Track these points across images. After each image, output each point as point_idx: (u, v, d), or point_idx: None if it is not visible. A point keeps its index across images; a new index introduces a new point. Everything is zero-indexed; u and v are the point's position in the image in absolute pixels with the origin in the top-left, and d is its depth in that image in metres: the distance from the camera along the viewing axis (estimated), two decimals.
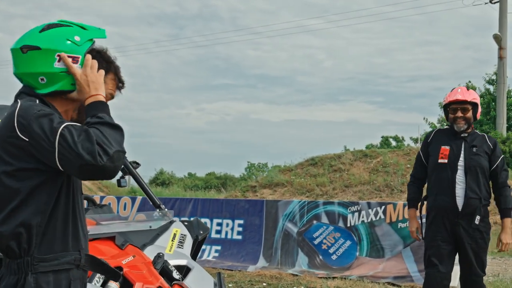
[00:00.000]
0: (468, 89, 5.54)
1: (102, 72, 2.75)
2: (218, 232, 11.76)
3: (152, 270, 4.08)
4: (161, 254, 4.24)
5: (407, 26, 74.19)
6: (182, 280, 4.15)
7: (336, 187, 27.63)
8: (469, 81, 37.53)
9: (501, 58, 30.47)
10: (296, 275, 10.32)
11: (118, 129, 2.61)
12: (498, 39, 29.99)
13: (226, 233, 11.68)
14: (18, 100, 2.68)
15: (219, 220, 11.79)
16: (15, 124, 2.54)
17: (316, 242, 10.84)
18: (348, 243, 10.50)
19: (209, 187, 40.94)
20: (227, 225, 11.70)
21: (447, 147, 5.51)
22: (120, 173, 5.24)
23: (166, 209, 5.06)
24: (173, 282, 4.09)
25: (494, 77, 37.61)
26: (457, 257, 5.69)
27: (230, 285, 9.72)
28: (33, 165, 2.56)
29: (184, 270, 4.37)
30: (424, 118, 37.76)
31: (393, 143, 44.84)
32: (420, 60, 71.75)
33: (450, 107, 5.54)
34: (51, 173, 2.58)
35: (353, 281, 9.76)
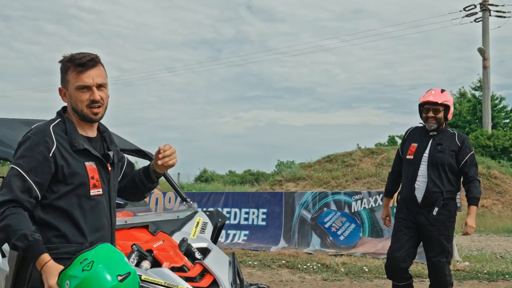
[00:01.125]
0: (442, 91, 5.20)
1: None
2: (246, 219, 11.80)
3: (178, 251, 4.12)
4: (185, 238, 4.28)
5: (407, 43, 73.50)
6: (203, 260, 4.17)
7: (348, 179, 27.50)
8: (462, 87, 37.16)
9: (485, 67, 30.15)
10: (310, 253, 10.34)
11: None
12: (482, 51, 29.67)
13: (253, 220, 11.72)
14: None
15: (247, 209, 11.82)
16: None
17: (326, 225, 10.84)
18: (353, 226, 10.48)
19: (244, 182, 40.86)
20: (253, 213, 11.74)
21: (415, 144, 5.20)
22: None
23: (191, 202, 5.10)
24: (195, 261, 4.12)
25: (479, 84, 37.26)
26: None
27: (255, 262, 9.76)
28: None
29: (205, 252, 4.39)
30: (420, 123, 37.31)
31: (399, 141, 44.46)
32: (419, 71, 71.07)
33: (423, 107, 5.17)
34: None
35: (357, 257, 9.76)
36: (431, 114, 5.11)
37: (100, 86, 2.74)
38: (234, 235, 11.76)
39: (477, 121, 35.83)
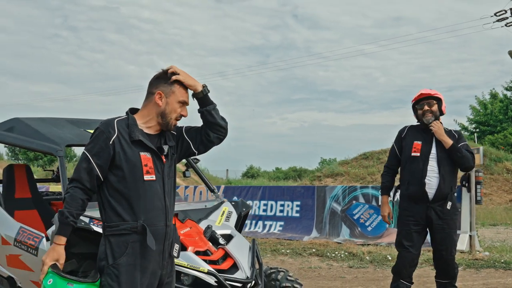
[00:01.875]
0: (430, 89, 5.04)
1: None
2: (281, 211, 11.86)
3: (202, 237, 4.22)
4: (210, 226, 4.37)
5: (444, 47, 72.30)
6: (226, 245, 4.26)
7: None
8: (493, 88, 36.38)
9: None
10: (340, 243, 10.36)
11: None
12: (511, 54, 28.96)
13: (287, 212, 11.78)
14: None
15: (282, 202, 11.89)
16: None
17: (355, 217, 10.82)
18: (380, 218, 10.44)
19: (288, 178, 40.87)
20: (288, 205, 11.79)
21: (419, 142, 4.98)
22: (185, 167, 5.45)
23: (218, 193, 5.20)
24: (218, 246, 4.21)
25: (511, 85, 36.42)
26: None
27: (288, 251, 9.83)
28: None
29: (229, 238, 4.47)
30: (454, 120, 36.69)
31: None
32: (456, 74, 69.76)
33: (418, 105, 5.02)
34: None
35: (383, 247, 9.73)
36: (426, 107, 4.96)
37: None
38: (271, 225, 11.84)
39: (508, 120, 35.02)
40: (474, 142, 29.91)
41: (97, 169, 2.88)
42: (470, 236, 9.30)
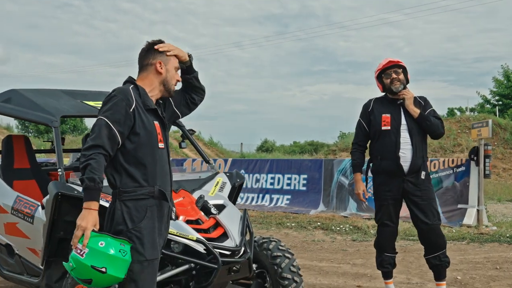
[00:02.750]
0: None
1: None
2: (288, 184, 12.05)
3: (194, 207, 4.40)
4: (202, 195, 4.54)
5: (471, 16, 71.36)
6: (218, 215, 4.44)
7: None
8: (505, 63, 35.93)
9: None
10: (346, 217, 10.54)
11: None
12: None
13: (294, 185, 11.96)
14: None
15: (289, 175, 12.07)
16: None
17: None
18: None
19: (304, 152, 40.86)
20: (295, 179, 11.97)
21: (388, 115, 4.96)
22: (181, 138, 5.63)
23: (213, 164, 5.37)
24: (210, 216, 4.39)
25: None
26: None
27: (293, 224, 10.05)
28: None
29: (221, 208, 4.63)
30: (476, 92, 36.35)
31: (458, 113, 43.45)
32: (484, 45, 68.95)
33: (384, 74, 4.99)
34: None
35: None
36: (394, 75, 4.95)
37: None
38: (278, 199, 12.05)
39: None
40: (496, 115, 29.73)
41: (119, 136, 3.02)
42: (478, 210, 9.42)
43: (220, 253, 4.01)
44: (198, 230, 4.15)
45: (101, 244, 2.91)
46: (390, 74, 4.99)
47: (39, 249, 4.37)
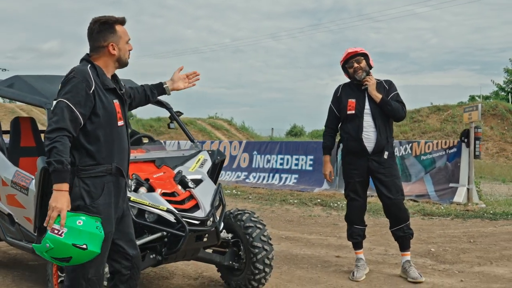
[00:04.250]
0: (354, 47, 5.07)
1: None
2: (296, 165, 12.08)
3: (172, 181, 4.49)
4: (180, 171, 4.63)
5: (496, 8, 69.75)
6: (194, 188, 4.53)
7: (415, 133, 27.04)
8: None
9: None
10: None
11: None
12: None
13: (302, 165, 11.98)
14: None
15: (297, 156, 12.10)
16: None
17: None
18: None
19: None
20: (302, 159, 12.00)
21: (353, 100, 5.03)
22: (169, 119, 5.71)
23: (198, 143, 5.43)
24: (186, 189, 4.49)
25: None
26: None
27: (295, 201, 10.11)
28: None
29: (199, 182, 4.71)
30: (491, 80, 35.72)
31: (478, 100, 42.62)
32: (509, 35, 67.44)
33: (347, 65, 5.06)
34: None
35: None
36: (355, 65, 5.00)
37: None
38: (286, 178, 12.10)
39: None
40: (508, 102, 29.16)
41: (81, 118, 2.95)
42: (468, 189, 9.33)
43: (189, 222, 4.10)
44: (172, 202, 4.24)
45: (79, 222, 2.86)
46: (352, 64, 5.04)
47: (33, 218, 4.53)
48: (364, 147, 4.98)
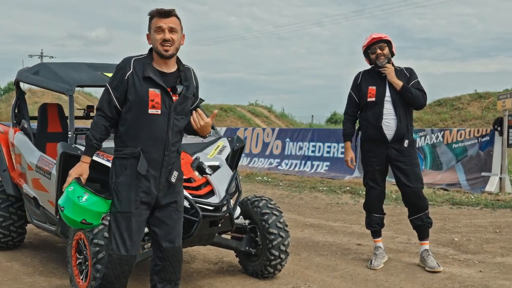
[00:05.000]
0: (378, 33, 4.98)
1: None
2: (328, 152, 12.01)
3: (189, 167, 4.54)
4: (198, 157, 4.65)
5: None
6: (211, 175, 4.56)
7: (455, 121, 26.51)
8: None
9: None
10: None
11: None
12: None
13: (333, 153, 11.90)
14: None
15: (329, 144, 12.02)
16: None
17: None
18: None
19: None
20: (334, 147, 11.91)
21: (374, 87, 4.95)
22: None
23: (217, 130, 5.45)
24: (203, 175, 4.53)
25: None
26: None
27: (325, 188, 10.07)
28: None
29: (217, 169, 4.74)
30: None
31: None
32: None
33: (369, 50, 4.97)
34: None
35: None
36: (378, 51, 4.91)
37: (171, 30, 3.23)
38: (318, 165, 12.05)
39: None
40: None
41: (115, 100, 3.21)
42: (500, 178, 9.11)
43: (202, 208, 4.14)
44: (187, 188, 4.27)
45: (70, 189, 3.17)
46: (375, 50, 4.96)
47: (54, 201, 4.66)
48: (384, 134, 4.91)
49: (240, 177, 11.85)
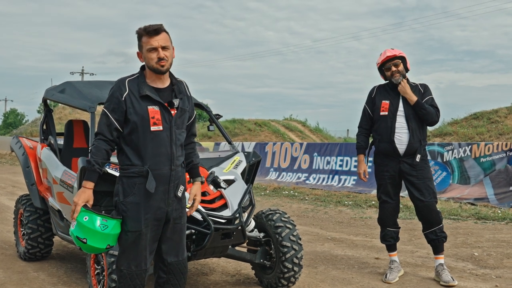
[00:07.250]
0: (392, 49, 5.04)
1: None
2: (355, 166, 12.00)
3: (204, 180, 4.70)
4: (213, 171, 4.78)
5: None
6: (225, 189, 4.69)
7: (492, 135, 26.00)
8: None
9: None
10: (403, 197, 10.37)
11: None
12: None
13: None
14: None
15: (356, 158, 12.00)
16: None
17: None
18: (444, 173, 10.30)
19: None
20: None
21: (387, 101, 5.02)
22: (209, 122, 5.91)
23: (234, 144, 5.59)
24: (218, 188, 4.66)
25: None
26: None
27: (350, 203, 10.09)
28: None
29: (231, 183, 4.87)
30: None
31: None
32: None
33: (384, 67, 5.03)
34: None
35: (442, 201, 9.64)
36: (393, 68, 4.97)
37: (164, 48, 3.27)
38: (345, 179, 12.07)
39: None
40: None
41: (115, 123, 3.23)
42: None
43: (215, 221, 4.27)
44: (202, 201, 4.42)
45: (85, 218, 3.16)
46: (390, 67, 5.03)
47: None
48: (396, 148, 4.98)
49: (267, 191, 11.99)
